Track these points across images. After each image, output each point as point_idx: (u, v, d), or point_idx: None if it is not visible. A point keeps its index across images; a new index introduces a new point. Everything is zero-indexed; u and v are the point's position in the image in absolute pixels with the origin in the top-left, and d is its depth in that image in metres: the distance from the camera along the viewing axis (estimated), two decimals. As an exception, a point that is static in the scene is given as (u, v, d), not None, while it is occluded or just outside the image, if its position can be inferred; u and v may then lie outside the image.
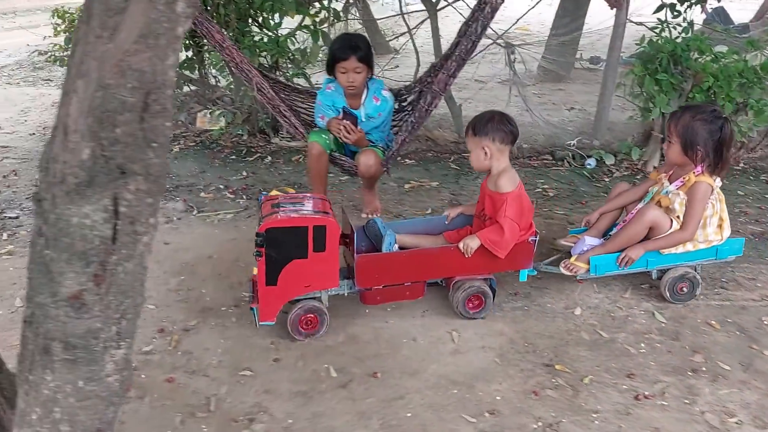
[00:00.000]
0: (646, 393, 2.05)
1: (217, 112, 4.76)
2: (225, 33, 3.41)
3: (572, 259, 2.55)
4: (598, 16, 5.73)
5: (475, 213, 2.62)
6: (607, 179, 3.91)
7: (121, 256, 1.08)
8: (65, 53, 5.09)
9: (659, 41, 3.96)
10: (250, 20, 4.43)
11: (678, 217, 2.49)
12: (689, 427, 1.92)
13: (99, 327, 1.10)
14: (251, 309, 2.36)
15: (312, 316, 2.31)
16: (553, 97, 5.78)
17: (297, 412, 1.99)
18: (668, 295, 2.53)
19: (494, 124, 2.45)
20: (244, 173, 4.05)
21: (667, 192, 2.54)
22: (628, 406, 2.00)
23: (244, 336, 2.36)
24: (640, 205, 2.60)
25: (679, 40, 3.97)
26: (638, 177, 3.91)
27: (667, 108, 3.95)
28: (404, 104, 3.41)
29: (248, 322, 2.40)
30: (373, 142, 3.25)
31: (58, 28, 5.07)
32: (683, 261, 2.53)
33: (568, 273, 2.53)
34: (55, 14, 5.04)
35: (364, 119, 3.20)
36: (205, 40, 5.03)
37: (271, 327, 2.40)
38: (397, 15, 4.64)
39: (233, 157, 4.39)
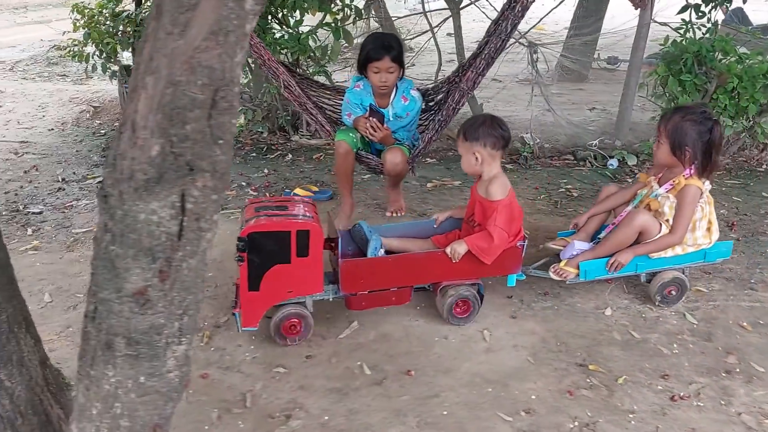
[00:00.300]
0: (682, 394, 2.05)
1: (239, 109, 4.76)
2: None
3: (562, 264, 2.52)
4: (618, 17, 5.73)
5: (464, 217, 2.59)
6: (629, 180, 3.89)
7: (185, 253, 1.08)
8: (84, 48, 5.09)
9: (683, 42, 3.95)
10: (270, 17, 4.44)
11: (667, 220, 2.46)
12: (726, 428, 1.92)
13: (162, 323, 1.11)
14: (233, 314, 2.31)
15: (296, 321, 2.27)
16: (572, 96, 5.76)
17: (333, 408, 2.00)
18: (657, 298, 2.52)
19: (485, 128, 2.41)
20: (266, 170, 4.06)
21: (656, 195, 2.51)
22: (664, 407, 2.00)
23: (275, 333, 2.37)
24: (629, 208, 2.57)
25: (701, 40, 3.96)
26: (661, 177, 3.89)
27: (690, 108, 3.93)
28: (431, 104, 3.41)
29: (278, 319, 2.40)
30: (399, 141, 3.25)
31: (77, 24, 5.07)
32: (672, 264, 2.52)
33: (558, 278, 2.50)
34: (75, 9, 5.04)
35: (391, 118, 3.20)
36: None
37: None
38: (420, 13, 4.63)
39: (254, 154, 4.40)
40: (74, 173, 4.07)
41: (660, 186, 2.53)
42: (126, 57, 5.29)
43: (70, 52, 5.15)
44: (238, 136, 4.69)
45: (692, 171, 2.45)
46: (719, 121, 2.50)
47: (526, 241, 2.46)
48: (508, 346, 2.30)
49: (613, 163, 4.10)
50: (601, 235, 2.61)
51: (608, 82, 6.44)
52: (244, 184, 3.86)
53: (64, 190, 3.80)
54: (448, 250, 2.36)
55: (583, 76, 6.24)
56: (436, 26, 4.54)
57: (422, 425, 1.93)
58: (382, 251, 2.45)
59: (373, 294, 2.38)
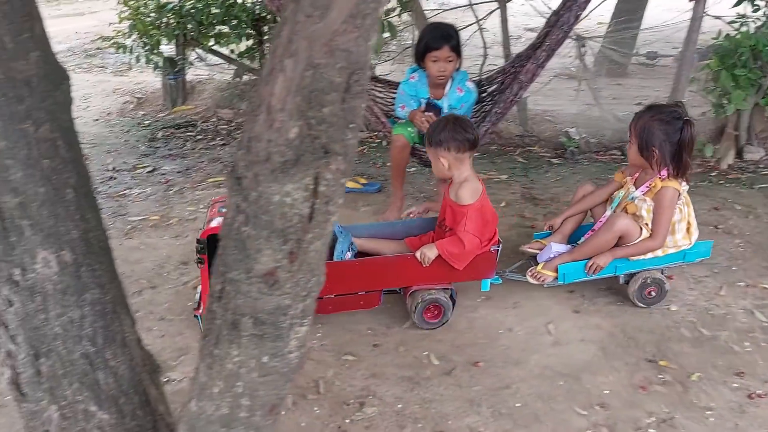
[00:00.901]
0: (759, 392, 2.02)
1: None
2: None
3: (539, 267, 2.48)
4: (658, 15, 5.66)
5: (437, 221, 2.53)
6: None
7: (314, 235, 1.09)
8: (127, 40, 5.13)
9: (738, 35, 3.89)
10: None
11: (647, 224, 2.42)
12: (808, 427, 1.90)
13: (288, 304, 1.12)
14: (195, 316, 2.25)
15: None
16: (612, 91, 5.69)
17: (406, 396, 2.01)
18: (637, 299, 2.47)
19: (447, 132, 2.36)
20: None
21: (633, 198, 2.46)
22: (742, 405, 1.97)
23: (341, 321, 2.38)
24: (608, 212, 2.52)
25: (757, 34, 3.89)
26: (712, 175, 3.84)
27: (742, 105, 3.88)
28: (483, 95, 3.39)
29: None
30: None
31: (123, 15, 5.12)
32: (651, 266, 2.47)
33: (535, 282, 2.45)
34: (122, 0, 5.10)
35: (446, 109, 3.19)
36: (266, 29, 5.11)
37: (365, 314, 2.42)
38: (466, 6, 4.62)
39: (298, 145, 4.41)
40: (124, 162, 4.12)
41: (636, 188, 2.47)
42: (167, 49, 5.34)
43: (115, 44, 5.21)
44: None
45: (668, 172, 2.38)
46: (691, 121, 2.41)
47: (501, 245, 2.40)
48: (575, 340, 2.29)
49: (662, 159, 4.04)
50: (581, 241, 2.55)
51: (647, 78, 6.37)
52: (291, 175, 3.88)
53: (115, 179, 3.86)
54: (418, 254, 2.30)
55: (624, 71, 6.18)
56: (482, 19, 4.52)
57: (497, 416, 1.93)
58: (349, 254, 2.37)
59: (340, 297, 2.31)
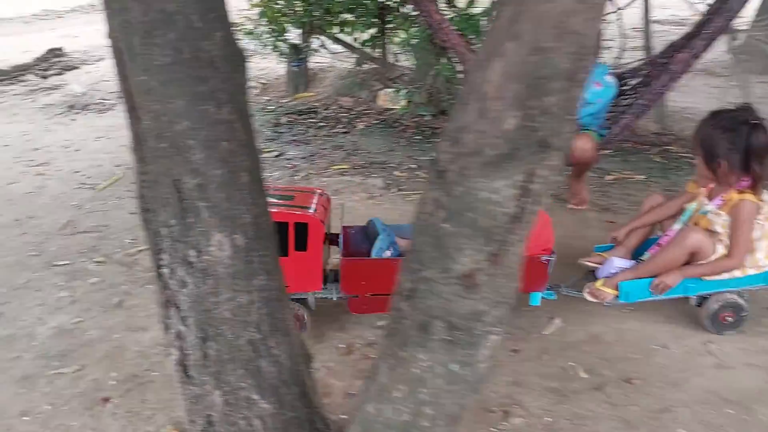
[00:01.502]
0: None
1: (403, 91, 4.73)
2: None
3: (598, 284, 2.20)
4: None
5: None
6: None
7: (518, 237, 1.00)
8: (257, 27, 5.26)
9: None
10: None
11: (721, 240, 2.11)
12: None
13: (483, 309, 1.03)
14: None
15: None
16: (755, 89, 5.19)
17: (554, 410, 1.88)
18: (710, 324, 2.18)
19: None
20: (433, 154, 3.99)
21: (705, 212, 2.16)
22: None
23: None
24: (676, 225, 2.22)
25: None
26: None
27: None
28: (624, 87, 3.16)
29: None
30: (585, 127, 3.05)
31: (253, 2, 5.25)
32: (728, 287, 2.16)
33: (593, 299, 2.20)
34: (253, -12, 5.23)
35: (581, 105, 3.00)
36: (389, 18, 5.07)
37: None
38: (605, -6, 4.35)
39: (418, 137, 4.35)
40: (251, 147, 4.21)
41: (710, 200, 2.18)
42: (290, 36, 5.43)
43: (243, 30, 5.35)
44: (400, 118, 4.67)
45: (746, 183, 2.09)
46: (761, 125, 2.07)
47: (554, 256, 2.15)
48: (741, 364, 2.06)
49: (827, 166, 3.61)
50: (644, 256, 2.28)
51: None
52: (413, 166, 3.82)
53: (243, 162, 3.95)
54: None
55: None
56: (621, 8, 4.23)
57: (657, 441, 1.77)
58: (388, 252, 2.20)
59: (376, 297, 2.15)
